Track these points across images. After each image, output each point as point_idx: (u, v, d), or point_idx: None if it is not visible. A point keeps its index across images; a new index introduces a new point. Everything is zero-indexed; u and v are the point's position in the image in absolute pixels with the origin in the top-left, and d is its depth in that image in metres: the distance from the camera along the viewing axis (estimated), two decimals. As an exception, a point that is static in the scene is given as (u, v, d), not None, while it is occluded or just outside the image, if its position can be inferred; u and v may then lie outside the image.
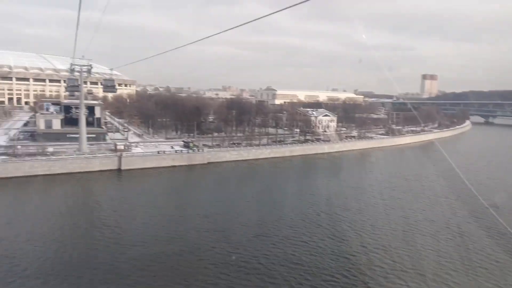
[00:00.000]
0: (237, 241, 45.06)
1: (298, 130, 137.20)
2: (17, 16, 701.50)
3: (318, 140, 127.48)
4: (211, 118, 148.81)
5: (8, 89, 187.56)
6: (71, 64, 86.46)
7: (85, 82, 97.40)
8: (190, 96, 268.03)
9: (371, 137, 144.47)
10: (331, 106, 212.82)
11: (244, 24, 20.02)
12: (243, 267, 38.48)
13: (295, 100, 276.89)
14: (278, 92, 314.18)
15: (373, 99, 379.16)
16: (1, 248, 40.83)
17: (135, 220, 51.72)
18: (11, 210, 55.20)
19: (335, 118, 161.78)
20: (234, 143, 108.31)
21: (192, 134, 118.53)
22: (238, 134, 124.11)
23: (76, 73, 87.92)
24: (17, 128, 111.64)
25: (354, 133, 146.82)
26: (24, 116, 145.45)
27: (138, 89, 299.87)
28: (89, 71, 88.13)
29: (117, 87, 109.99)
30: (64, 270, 36.63)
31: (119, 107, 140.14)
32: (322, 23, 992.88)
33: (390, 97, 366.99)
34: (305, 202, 63.36)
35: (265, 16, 18.26)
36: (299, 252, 42.42)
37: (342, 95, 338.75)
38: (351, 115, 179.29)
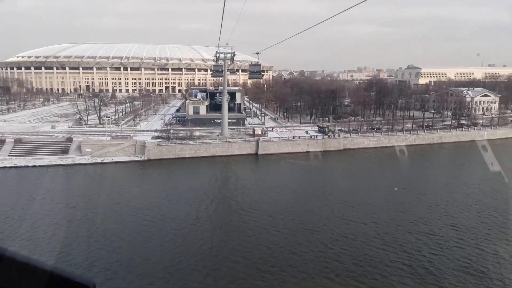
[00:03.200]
0: (393, 239, 40.62)
1: (449, 113, 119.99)
2: (174, 13, 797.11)
3: (475, 124, 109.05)
4: (346, 101, 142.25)
5: (165, 79, 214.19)
6: (216, 52, 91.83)
7: (228, 70, 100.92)
8: (324, 79, 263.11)
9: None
10: (490, 85, 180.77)
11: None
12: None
13: (443, 79, 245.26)
14: (423, 70, 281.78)
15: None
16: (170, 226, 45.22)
17: (279, 206, 51.48)
18: (168, 189, 61.18)
19: (497, 99, 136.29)
20: (373, 128, 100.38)
21: (327, 119, 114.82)
22: (378, 118, 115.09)
23: (221, 61, 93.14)
24: (171, 114, 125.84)
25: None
26: (177, 103, 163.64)
27: (274, 74, 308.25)
28: (232, 59, 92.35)
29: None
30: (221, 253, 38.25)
31: (257, 93, 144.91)
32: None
33: None
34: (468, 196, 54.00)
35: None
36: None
37: (504, 71, 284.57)
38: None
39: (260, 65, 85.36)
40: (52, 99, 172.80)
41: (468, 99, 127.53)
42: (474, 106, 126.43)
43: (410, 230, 42.93)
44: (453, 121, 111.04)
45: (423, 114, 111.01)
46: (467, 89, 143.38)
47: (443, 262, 35.60)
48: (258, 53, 75.49)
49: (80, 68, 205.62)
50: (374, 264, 35.31)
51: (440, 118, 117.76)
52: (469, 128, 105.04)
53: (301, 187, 61.43)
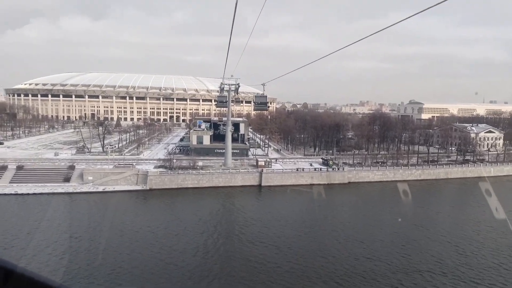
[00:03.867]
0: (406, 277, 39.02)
1: (454, 148, 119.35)
2: (178, 46, 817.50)
3: (481, 161, 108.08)
4: (350, 134, 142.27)
5: (170, 108, 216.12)
6: (221, 84, 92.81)
7: (232, 101, 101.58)
8: (327, 111, 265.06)
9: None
10: (493, 121, 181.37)
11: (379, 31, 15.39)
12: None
13: (446, 114, 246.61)
14: (425, 105, 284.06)
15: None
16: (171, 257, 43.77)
17: (286, 240, 50.23)
18: (172, 220, 59.76)
19: (501, 135, 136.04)
20: (378, 162, 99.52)
21: (330, 151, 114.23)
22: (382, 152, 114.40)
23: (225, 92, 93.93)
24: (174, 143, 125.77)
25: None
26: (181, 132, 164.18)
27: (278, 106, 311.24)
28: (236, 90, 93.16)
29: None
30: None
31: (261, 124, 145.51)
32: (476, 28, 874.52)
33: None
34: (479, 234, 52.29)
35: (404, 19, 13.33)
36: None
37: (506, 108, 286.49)
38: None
39: (266, 96, 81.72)
40: (57, 126, 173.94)
41: (472, 135, 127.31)
42: (478, 142, 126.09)
43: (422, 269, 41.27)
44: (458, 157, 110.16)
45: (428, 149, 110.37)
46: (471, 125, 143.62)
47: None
48: (264, 85, 73.82)
49: (86, 96, 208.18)
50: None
51: (445, 154, 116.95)
52: (475, 164, 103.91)
53: (307, 220, 60.03)
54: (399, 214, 60.47)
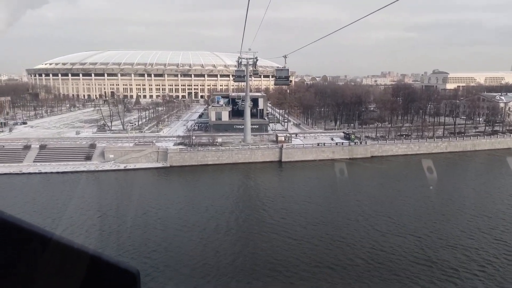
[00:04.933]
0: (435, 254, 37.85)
1: (481, 119, 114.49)
2: (197, 21, 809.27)
3: (510, 131, 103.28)
4: (372, 107, 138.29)
5: (188, 85, 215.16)
6: (239, 58, 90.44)
7: (250, 75, 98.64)
8: (348, 84, 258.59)
9: None
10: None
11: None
12: None
13: (472, 84, 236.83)
14: (451, 75, 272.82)
15: None
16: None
17: (311, 217, 49.27)
18: (194, 197, 59.60)
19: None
20: (402, 135, 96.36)
21: (352, 125, 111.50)
22: (406, 125, 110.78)
23: (243, 66, 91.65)
24: (193, 120, 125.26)
25: None
26: (199, 109, 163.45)
27: (296, 80, 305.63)
28: (254, 64, 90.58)
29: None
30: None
31: (280, 98, 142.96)
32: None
33: None
34: None
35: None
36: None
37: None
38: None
39: (288, 70, 74.73)
40: (78, 105, 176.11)
41: (501, 105, 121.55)
42: (508, 112, 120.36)
43: (454, 245, 39.80)
44: (486, 128, 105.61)
45: (454, 120, 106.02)
46: (500, 94, 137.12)
47: (495, 280, 32.40)
48: (285, 57, 68.13)
49: (105, 75, 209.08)
50: (417, 281, 32.49)
51: (472, 125, 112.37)
52: (505, 135, 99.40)
53: (331, 196, 58.66)
54: (426, 188, 58.58)
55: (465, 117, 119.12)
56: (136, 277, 1.57)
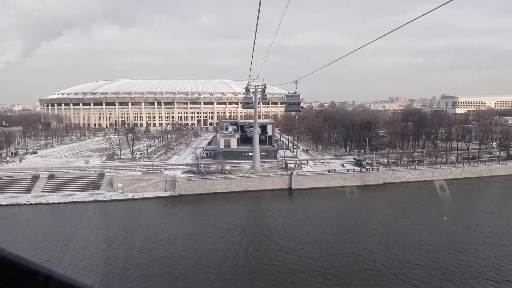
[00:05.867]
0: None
1: (494, 143, 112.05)
2: (205, 50, 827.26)
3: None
4: (381, 132, 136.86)
5: (197, 112, 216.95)
6: (247, 85, 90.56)
7: (259, 102, 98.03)
8: (356, 109, 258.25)
9: None
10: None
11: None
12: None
13: (483, 108, 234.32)
14: (460, 99, 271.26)
15: None
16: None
17: (328, 246, 47.67)
18: (204, 228, 58.02)
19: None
20: (414, 161, 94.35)
21: (362, 151, 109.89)
22: (417, 150, 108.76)
23: (251, 93, 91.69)
24: (202, 147, 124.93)
25: None
26: (208, 136, 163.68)
27: (304, 106, 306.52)
28: (263, 90, 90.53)
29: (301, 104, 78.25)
30: None
31: (289, 125, 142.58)
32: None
33: None
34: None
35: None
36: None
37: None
38: None
39: (299, 95, 68.10)
40: (88, 134, 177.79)
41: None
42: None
43: (479, 276, 37.48)
44: (501, 152, 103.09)
45: (467, 145, 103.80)
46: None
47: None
48: (296, 82, 62.66)
49: (116, 104, 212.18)
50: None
51: (486, 149, 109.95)
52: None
53: (346, 225, 56.71)
54: (443, 216, 56.35)
55: (478, 142, 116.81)
56: None
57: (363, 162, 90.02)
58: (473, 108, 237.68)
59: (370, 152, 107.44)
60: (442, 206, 61.70)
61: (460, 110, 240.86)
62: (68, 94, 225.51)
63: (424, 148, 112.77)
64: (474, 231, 51.94)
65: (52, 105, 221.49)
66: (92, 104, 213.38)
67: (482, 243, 47.29)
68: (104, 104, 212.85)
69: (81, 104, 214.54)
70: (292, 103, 70.31)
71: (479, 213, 62.69)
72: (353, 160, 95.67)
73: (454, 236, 49.98)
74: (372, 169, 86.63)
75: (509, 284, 35.85)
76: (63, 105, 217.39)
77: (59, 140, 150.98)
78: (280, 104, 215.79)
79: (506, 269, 39.29)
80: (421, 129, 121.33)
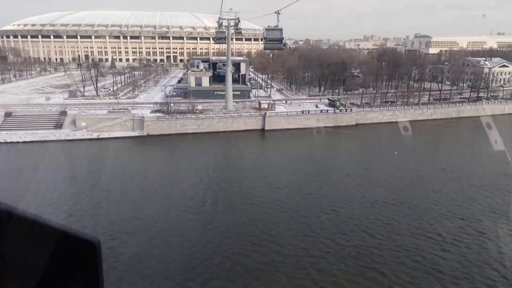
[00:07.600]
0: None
1: (466, 85, 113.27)
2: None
3: (495, 97, 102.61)
4: (356, 72, 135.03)
5: (166, 48, 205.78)
6: (219, 18, 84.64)
7: (232, 38, 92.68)
8: (331, 48, 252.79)
9: None
10: (505, 55, 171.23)
11: None
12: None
13: (455, 48, 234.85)
14: (434, 39, 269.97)
15: None
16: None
17: (301, 188, 47.34)
18: (175, 169, 56.33)
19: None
20: (387, 102, 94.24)
21: (337, 91, 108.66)
22: (391, 91, 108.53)
23: (224, 27, 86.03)
24: (172, 85, 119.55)
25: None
26: (179, 73, 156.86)
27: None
28: (236, 25, 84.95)
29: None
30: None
31: (263, 63, 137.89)
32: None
33: None
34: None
35: None
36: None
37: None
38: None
39: (281, 30, 56.04)
40: (49, 69, 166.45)
41: (485, 70, 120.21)
42: (492, 77, 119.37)
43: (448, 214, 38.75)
44: (471, 94, 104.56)
45: (439, 86, 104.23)
46: (484, 59, 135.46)
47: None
48: (278, 13, 52.07)
49: (78, 37, 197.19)
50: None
51: (457, 91, 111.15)
52: (489, 102, 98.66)
53: (319, 166, 56.50)
54: (418, 158, 57.31)
55: (449, 83, 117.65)
56: (97, 246, 1.56)
57: (337, 103, 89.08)
58: (446, 48, 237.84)
59: (344, 92, 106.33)
60: (415, 148, 62.32)
61: (433, 50, 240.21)
62: (25, 25, 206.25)
63: (397, 88, 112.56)
64: (445, 171, 53.14)
65: (8, 37, 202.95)
66: (52, 36, 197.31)
67: (451, 182, 48.50)
68: (65, 37, 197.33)
69: (40, 37, 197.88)
70: (273, 38, 58.59)
71: (452, 155, 63.87)
72: (327, 101, 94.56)
73: (425, 177, 50.83)
74: (346, 110, 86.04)
75: (479, 222, 36.98)
76: (19, 37, 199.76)
77: (17, 75, 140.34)
78: (254, 40, 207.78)
79: (476, 208, 40.53)
80: (395, 69, 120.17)
